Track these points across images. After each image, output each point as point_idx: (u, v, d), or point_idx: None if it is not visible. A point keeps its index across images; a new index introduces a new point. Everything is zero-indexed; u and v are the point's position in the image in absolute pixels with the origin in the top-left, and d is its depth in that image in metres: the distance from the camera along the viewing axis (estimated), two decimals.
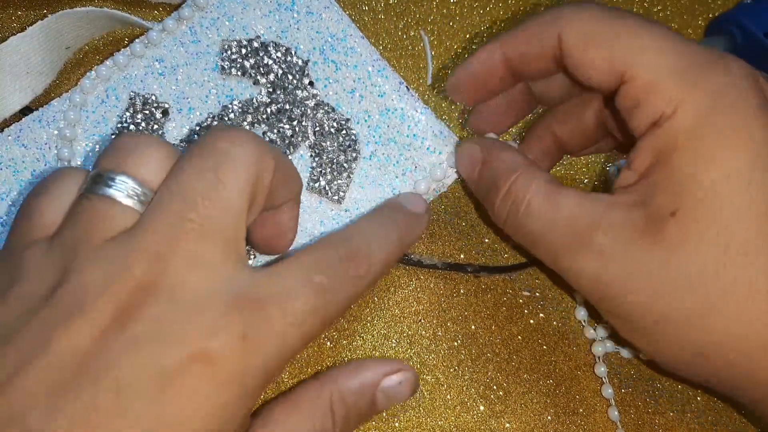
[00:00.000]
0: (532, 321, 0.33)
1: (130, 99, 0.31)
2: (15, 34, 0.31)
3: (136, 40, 0.32)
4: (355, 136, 0.31)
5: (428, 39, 0.36)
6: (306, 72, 0.32)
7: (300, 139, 0.31)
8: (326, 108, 0.31)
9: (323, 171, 0.31)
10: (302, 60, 0.32)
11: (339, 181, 0.31)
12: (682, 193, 0.23)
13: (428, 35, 0.36)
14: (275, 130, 0.31)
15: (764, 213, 0.22)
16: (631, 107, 0.24)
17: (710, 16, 0.38)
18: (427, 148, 0.31)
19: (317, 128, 0.31)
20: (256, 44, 0.32)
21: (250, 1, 0.32)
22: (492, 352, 0.32)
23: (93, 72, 0.32)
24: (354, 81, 0.31)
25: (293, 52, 0.32)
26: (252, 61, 0.31)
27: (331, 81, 0.32)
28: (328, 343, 0.31)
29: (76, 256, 0.20)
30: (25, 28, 0.31)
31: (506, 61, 0.27)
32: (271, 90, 0.31)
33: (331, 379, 0.24)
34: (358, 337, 0.32)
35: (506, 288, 0.33)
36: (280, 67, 0.31)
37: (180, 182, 0.21)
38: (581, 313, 0.33)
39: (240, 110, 0.31)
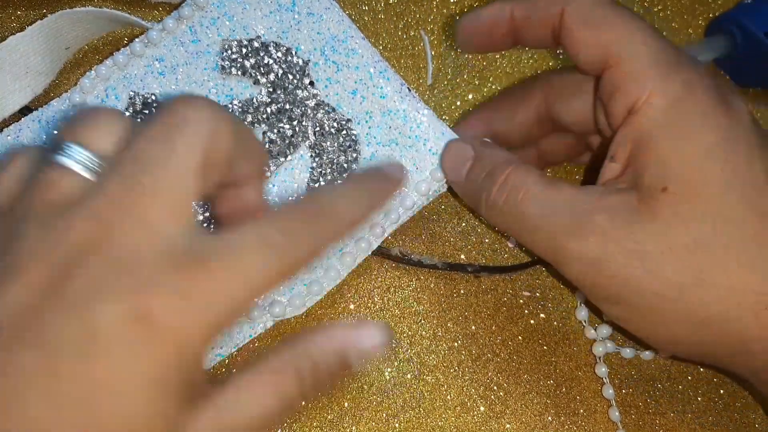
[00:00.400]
0: (532, 321, 0.33)
1: (130, 98, 0.31)
2: (14, 34, 0.31)
3: (136, 40, 0.32)
4: (356, 137, 0.31)
5: (428, 39, 0.36)
6: (306, 72, 0.32)
7: (300, 139, 0.31)
8: (326, 108, 0.31)
9: (323, 171, 0.31)
10: (303, 60, 0.32)
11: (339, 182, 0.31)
12: (668, 170, 0.25)
13: (428, 35, 0.36)
14: (275, 130, 0.31)
15: (743, 184, 0.24)
16: (612, 92, 0.26)
17: (710, 15, 0.38)
18: (429, 150, 0.31)
19: (317, 128, 0.31)
20: (256, 44, 0.32)
21: (250, 1, 0.32)
22: (492, 353, 0.32)
23: (93, 71, 0.32)
24: (355, 82, 0.31)
25: (294, 52, 0.32)
26: (252, 60, 0.31)
27: (332, 82, 0.32)
28: None
29: (23, 224, 0.20)
30: (25, 28, 0.31)
31: (512, 20, 0.28)
32: (271, 90, 0.31)
33: (298, 341, 0.23)
34: None
35: (506, 288, 0.33)
36: (280, 66, 0.31)
37: (132, 148, 0.20)
38: (582, 314, 0.32)
39: (240, 110, 0.31)
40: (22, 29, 0.31)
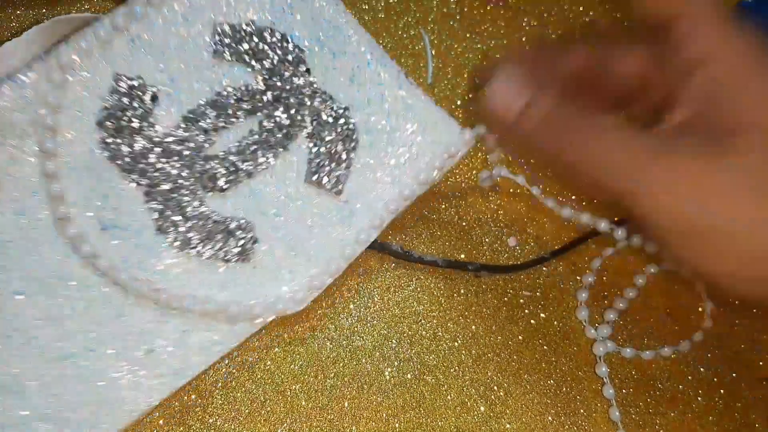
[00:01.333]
0: (532, 321, 0.33)
1: (115, 81, 0.29)
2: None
3: (119, 10, 0.29)
4: (354, 125, 0.31)
5: (428, 38, 0.36)
6: (303, 59, 0.31)
7: (298, 128, 0.31)
8: (324, 96, 0.31)
9: (321, 162, 0.31)
10: (299, 47, 0.31)
11: (338, 173, 0.31)
12: (743, 113, 0.26)
13: (428, 34, 0.36)
14: (272, 120, 0.30)
15: None
16: (680, 40, 0.28)
17: None
18: (427, 136, 0.31)
19: (315, 117, 0.31)
20: (250, 29, 0.31)
21: None
22: (492, 353, 0.32)
23: (72, 46, 0.29)
24: (352, 69, 0.31)
25: (289, 39, 0.31)
26: (246, 46, 0.30)
27: (329, 69, 0.31)
28: (329, 344, 0.31)
29: None
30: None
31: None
32: (267, 77, 0.31)
33: None
34: (357, 338, 0.32)
35: (507, 288, 0.33)
36: (275, 53, 0.31)
37: None
38: (582, 313, 0.32)
39: (235, 97, 0.30)
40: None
